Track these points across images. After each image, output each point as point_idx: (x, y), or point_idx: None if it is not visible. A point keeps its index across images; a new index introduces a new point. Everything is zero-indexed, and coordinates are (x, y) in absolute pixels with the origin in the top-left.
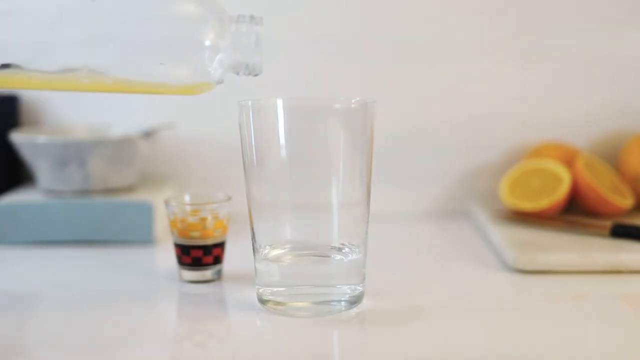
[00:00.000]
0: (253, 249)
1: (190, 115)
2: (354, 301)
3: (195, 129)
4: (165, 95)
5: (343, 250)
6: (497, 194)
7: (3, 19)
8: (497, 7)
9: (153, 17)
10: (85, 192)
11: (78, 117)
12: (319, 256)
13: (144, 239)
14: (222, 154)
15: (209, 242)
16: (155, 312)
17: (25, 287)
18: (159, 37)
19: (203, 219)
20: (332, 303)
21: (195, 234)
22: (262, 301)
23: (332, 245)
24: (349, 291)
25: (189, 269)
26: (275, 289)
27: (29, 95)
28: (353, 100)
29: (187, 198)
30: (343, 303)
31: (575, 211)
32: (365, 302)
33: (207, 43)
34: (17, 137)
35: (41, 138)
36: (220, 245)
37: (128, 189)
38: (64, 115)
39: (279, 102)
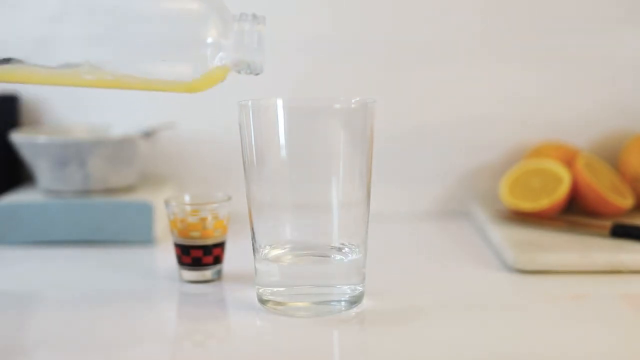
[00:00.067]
0: (253, 249)
1: (190, 115)
2: (354, 301)
3: (195, 129)
4: (166, 92)
5: (343, 250)
6: (497, 194)
7: (5, 13)
8: (496, 7)
9: (155, 13)
10: (85, 192)
11: (78, 117)
12: (319, 256)
13: (144, 239)
14: (222, 154)
15: (209, 242)
16: (155, 312)
17: (25, 287)
18: (160, 34)
19: (203, 219)
20: (332, 303)
21: (195, 234)
22: (262, 301)
23: (332, 245)
24: (349, 291)
25: (189, 269)
26: (275, 289)
27: (29, 95)
28: (353, 100)
29: (187, 198)
30: (343, 303)
31: (575, 211)
32: (365, 302)
33: (209, 40)
34: (17, 137)
35: (41, 138)
36: (220, 245)
37: (128, 189)
38: (64, 115)
39: (279, 102)
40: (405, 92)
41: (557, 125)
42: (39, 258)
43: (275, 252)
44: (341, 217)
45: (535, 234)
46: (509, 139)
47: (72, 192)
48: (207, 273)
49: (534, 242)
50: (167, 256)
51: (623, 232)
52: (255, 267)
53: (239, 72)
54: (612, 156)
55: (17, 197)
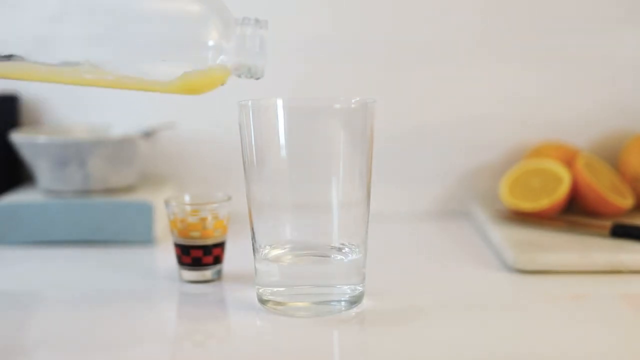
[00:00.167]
0: (253, 249)
1: (190, 115)
2: (354, 301)
3: (195, 129)
4: (166, 94)
5: (343, 250)
6: (497, 194)
7: (5, 13)
8: (496, 7)
9: (156, 14)
10: (85, 192)
11: (78, 117)
12: (319, 256)
13: (144, 239)
14: (222, 154)
15: (209, 242)
16: (155, 312)
17: (25, 287)
18: (161, 35)
19: (203, 219)
20: (332, 303)
21: (195, 234)
22: (262, 301)
23: (332, 245)
24: (349, 291)
25: (189, 269)
26: (275, 289)
27: (29, 95)
28: (353, 100)
29: (187, 198)
30: (343, 303)
31: (575, 211)
32: (365, 302)
33: (211, 43)
34: (17, 137)
35: (41, 138)
36: (220, 245)
37: (128, 189)
38: (64, 115)
39: (279, 102)
40: (405, 92)
41: (557, 125)
42: (39, 258)
43: (275, 252)
44: (341, 217)
45: (535, 234)
46: (509, 139)
47: (72, 192)
48: (207, 273)
49: (534, 242)
50: (167, 256)
51: (623, 232)
52: (255, 267)
53: (239, 76)
54: (612, 156)
55: (17, 197)
